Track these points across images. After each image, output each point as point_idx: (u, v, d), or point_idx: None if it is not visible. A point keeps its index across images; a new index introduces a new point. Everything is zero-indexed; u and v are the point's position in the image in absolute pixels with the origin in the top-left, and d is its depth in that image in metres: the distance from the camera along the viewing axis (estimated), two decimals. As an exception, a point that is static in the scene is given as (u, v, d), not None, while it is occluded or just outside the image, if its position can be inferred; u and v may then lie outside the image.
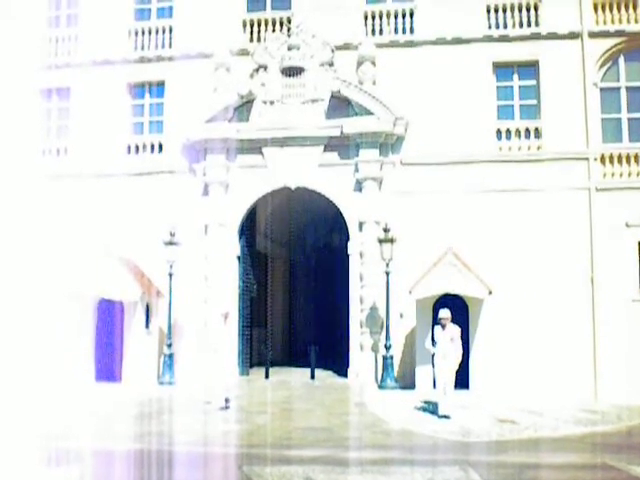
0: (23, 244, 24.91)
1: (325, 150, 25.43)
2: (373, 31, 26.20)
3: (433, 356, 18.67)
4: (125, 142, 27.19)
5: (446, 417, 17.73)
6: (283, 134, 25.51)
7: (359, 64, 25.44)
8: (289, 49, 25.76)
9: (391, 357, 23.30)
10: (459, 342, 18.18)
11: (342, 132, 25.00)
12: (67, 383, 22.44)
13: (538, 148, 24.87)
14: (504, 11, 25.63)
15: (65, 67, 27.59)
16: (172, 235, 24.28)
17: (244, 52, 26.46)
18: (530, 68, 25.41)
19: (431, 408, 18.96)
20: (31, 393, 20.32)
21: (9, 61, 26.68)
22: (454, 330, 18.20)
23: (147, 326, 24.35)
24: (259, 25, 26.98)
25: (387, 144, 25.17)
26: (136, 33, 27.59)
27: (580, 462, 13.85)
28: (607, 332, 23.43)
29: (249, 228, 27.38)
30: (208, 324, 24.66)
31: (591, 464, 13.64)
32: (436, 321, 19.10)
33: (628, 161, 24.47)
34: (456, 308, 20.83)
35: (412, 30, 26.00)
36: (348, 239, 25.37)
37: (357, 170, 25.07)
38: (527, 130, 25.07)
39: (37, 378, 21.76)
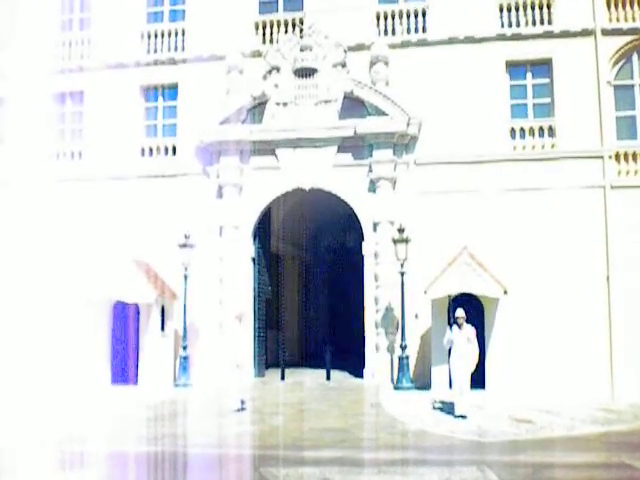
0: (38, 248, 25.10)
1: (339, 151, 25.44)
2: (385, 31, 26.19)
3: (449, 356, 18.65)
4: (139, 145, 27.28)
5: (463, 417, 17.73)
6: (296, 135, 25.53)
7: (372, 64, 25.44)
8: (301, 50, 25.78)
9: (407, 357, 23.27)
10: (475, 343, 18.22)
11: (355, 133, 25.00)
12: (83, 386, 22.55)
13: (552, 146, 24.79)
14: (517, 9, 25.56)
15: (78, 70, 27.71)
16: (187, 237, 24.34)
17: (257, 54, 26.51)
18: (543, 66, 25.34)
19: (447, 408, 18.95)
20: (48, 397, 20.48)
21: (23, 65, 26.92)
22: (470, 330, 18.23)
23: (162, 328, 24.41)
24: (271, 27, 27.01)
25: (401, 144, 25.15)
26: (149, 36, 27.67)
27: (597, 461, 13.83)
28: (623, 331, 23.34)
29: (263, 230, 27.39)
30: (223, 326, 24.72)
31: (608, 463, 13.61)
32: (451, 321, 19.10)
33: (643, 158, 24.41)
34: (471, 308, 20.83)
35: (424, 30, 25.97)
36: (362, 240, 25.36)
37: (371, 170, 25.07)
38: (541, 129, 25.01)
39: (54, 382, 21.92)
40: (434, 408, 19.48)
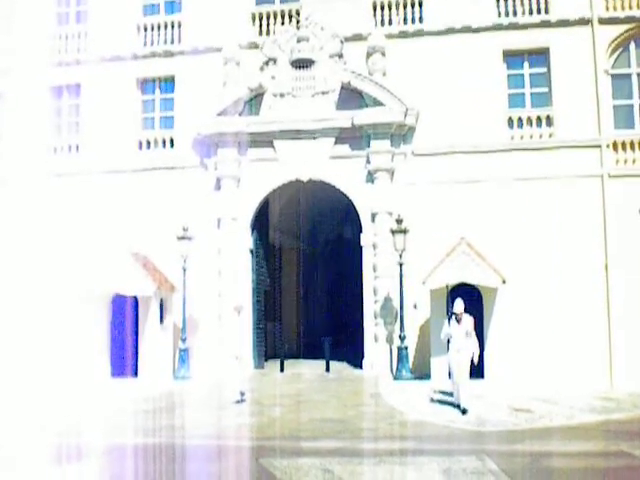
0: (36, 242, 25.08)
1: (336, 142, 25.43)
2: (382, 22, 26.14)
3: (448, 347, 18.53)
4: (136, 138, 27.26)
5: (464, 412, 17.51)
6: (294, 127, 25.51)
7: (369, 55, 25.42)
8: (298, 41, 25.73)
9: (406, 348, 23.32)
10: (474, 335, 18.00)
11: (353, 124, 24.98)
12: (83, 379, 22.57)
13: (550, 136, 24.77)
14: (513, -1, 25.56)
15: (75, 64, 27.67)
16: (185, 230, 24.34)
17: (253, 45, 26.48)
18: (540, 56, 25.30)
19: (446, 399, 18.91)
20: (47, 390, 20.49)
21: (20, 59, 26.85)
22: (469, 323, 18.02)
23: (161, 321, 24.42)
24: (268, 18, 26.97)
25: (398, 135, 25.13)
26: (145, 28, 27.62)
27: (596, 450, 13.86)
28: (622, 319, 23.36)
29: (261, 221, 27.40)
30: (222, 318, 24.74)
31: (607, 452, 13.63)
32: (450, 311, 19.03)
33: (640, 147, 24.41)
34: (470, 298, 20.84)
35: (421, 20, 25.93)
36: (360, 231, 25.36)
37: (368, 161, 25.05)
38: (538, 118, 24.99)
39: (53, 375, 21.94)
40: (432, 401, 19.43)
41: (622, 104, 24.88)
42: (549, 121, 24.88)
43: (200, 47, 26.82)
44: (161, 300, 24.43)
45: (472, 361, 17.99)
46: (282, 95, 25.93)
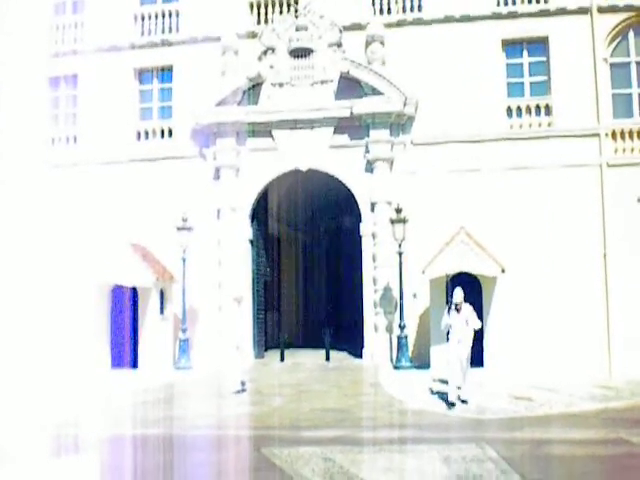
0: (35, 233, 25.05)
1: (335, 131, 25.40)
2: (381, 10, 26.07)
3: (447, 338, 18.42)
4: (134, 128, 27.21)
5: (464, 402, 17.42)
6: (293, 116, 25.47)
7: (368, 44, 25.35)
8: (297, 30, 25.68)
9: (405, 337, 23.36)
10: (475, 317, 17.74)
11: (352, 113, 24.94)
12: (83, 371, 22.58)
13: (549, 125, 24.75)
14: (512, -13, 25.49)
15: (72, 54, 27.58)
16: (184, 220, 24.33)
17: (252, 35, 26.40)
18: (539, 44, 25.24)
19: (446, 388, 18.89)
20: (47, 382, 20.51)
21: (17, 50, 26.76)
22: (469, 311, 17.86)
23: (162, 312, 24.45)
24: (266, 7, 26.88)
25: (397, 124, 25.10)
26: (142, 18, 27.51)
27: (595, 437, 13.88)
28: (620, 308, 23.39)
29: (261, 212, 27.41)
30: (222, 308, 24.76)
31: (606, 439, 13.65)
32: (449, 300, 18.95)
33: (639, 136, 24.33)
34: (469, 287, 20.78)
35: (420, 8, 25.85)
36: (360, 220, 25.36)
37: (368, 151, 25.04)
38: (537, 107, 24.96)
39: (53, 367, 21.95)
40: (433, 387, 19.46)
41: (621, 93, 24.84)
42: (548, 110, 24.85)
43: (198, 36, 26.73)
44: (161, 291, 24.45)
45: (470, 354, 17.93)
46: (281, 84, 25.89)
